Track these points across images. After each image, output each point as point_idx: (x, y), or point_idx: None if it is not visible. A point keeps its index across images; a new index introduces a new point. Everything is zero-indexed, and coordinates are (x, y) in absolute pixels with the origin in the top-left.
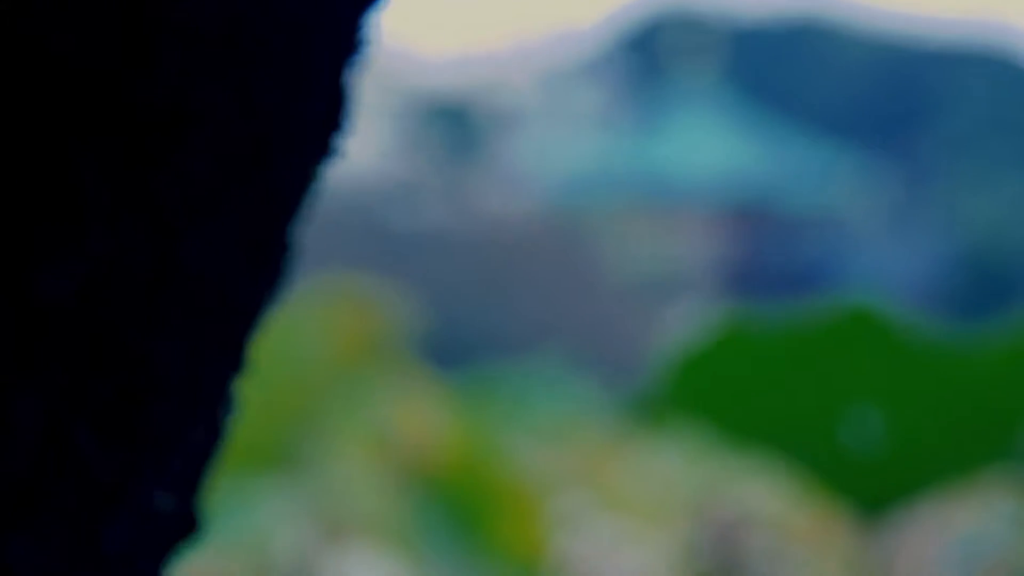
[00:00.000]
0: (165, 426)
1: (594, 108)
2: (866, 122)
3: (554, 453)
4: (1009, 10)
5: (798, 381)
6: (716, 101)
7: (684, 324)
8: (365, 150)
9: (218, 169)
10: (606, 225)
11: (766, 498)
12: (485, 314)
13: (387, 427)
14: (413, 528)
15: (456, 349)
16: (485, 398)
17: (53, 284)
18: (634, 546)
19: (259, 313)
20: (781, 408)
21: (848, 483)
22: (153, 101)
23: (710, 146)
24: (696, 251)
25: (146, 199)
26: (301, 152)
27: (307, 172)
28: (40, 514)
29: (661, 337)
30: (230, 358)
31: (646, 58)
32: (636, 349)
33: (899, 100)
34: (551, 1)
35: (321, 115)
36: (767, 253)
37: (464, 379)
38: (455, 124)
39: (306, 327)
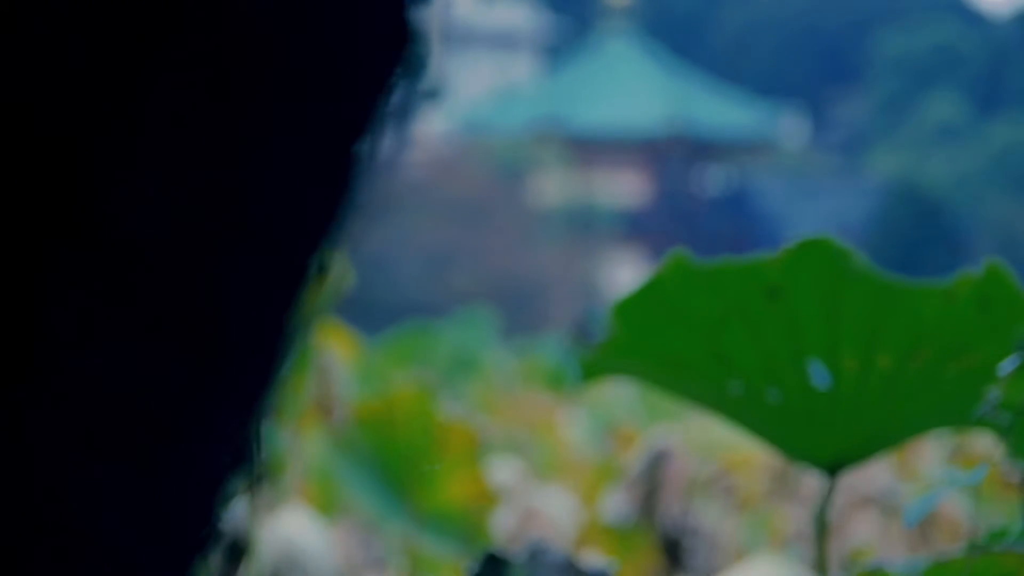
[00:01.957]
0: (235, 356)
1: (521, 36)
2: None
3: (489, 401)
4: None
5: (757, 320)
6: (637, 50)
7: (621, 263)
8: None
9: (282, 96)
10: (523, 154)
11: (706, 433)
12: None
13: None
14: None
15: (380, 305)
16: (414, 351)
17: (133, 218)
18: (563, 492)
19: (325, 240)
20: (739, 349)
21: (810, 427)
22: (220, 30)
23: (630, 90)
24: (619, 185)
25: (215, 127)
26: (362, 81)
27: (371, 101)
28: (116, 440)
29: (596, 277)
30: (293, 287)
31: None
32: (568, 290)
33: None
34: None
35: (382, 48)
36: (690, 184)
37: (392, 335)
38: None
39: None
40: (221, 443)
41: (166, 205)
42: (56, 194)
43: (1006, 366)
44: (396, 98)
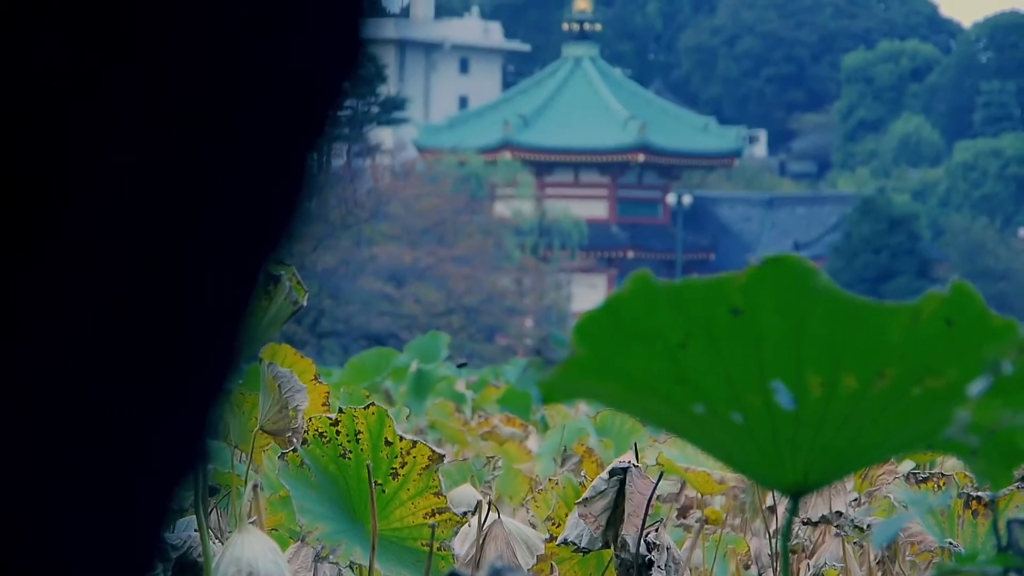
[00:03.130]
0: (183, 366)
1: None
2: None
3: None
4: None
5: (721, 340)
6: (599, 70)
7: (582, 281)
8: None
9: (240, 105)
10: (483, 172)
11: (668, 453)
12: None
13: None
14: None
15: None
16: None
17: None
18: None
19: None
20: (702, 369)
21: (774, 449)
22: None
23: (591, 110)
24: (579, 204)
25: (177, 131)
26: (316, 93)
27: (323, 113)
28: (60, 449)
29: (557, 295)
30: (244, 295)
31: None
32: (529, 308)
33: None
34: None
35: (335, 61)
36: (651, 203)
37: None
38: None
39: None
40: (168, 455)
41: (125, 211)
42: (23, 201)
43: (975, 388)
44: (348, 112)
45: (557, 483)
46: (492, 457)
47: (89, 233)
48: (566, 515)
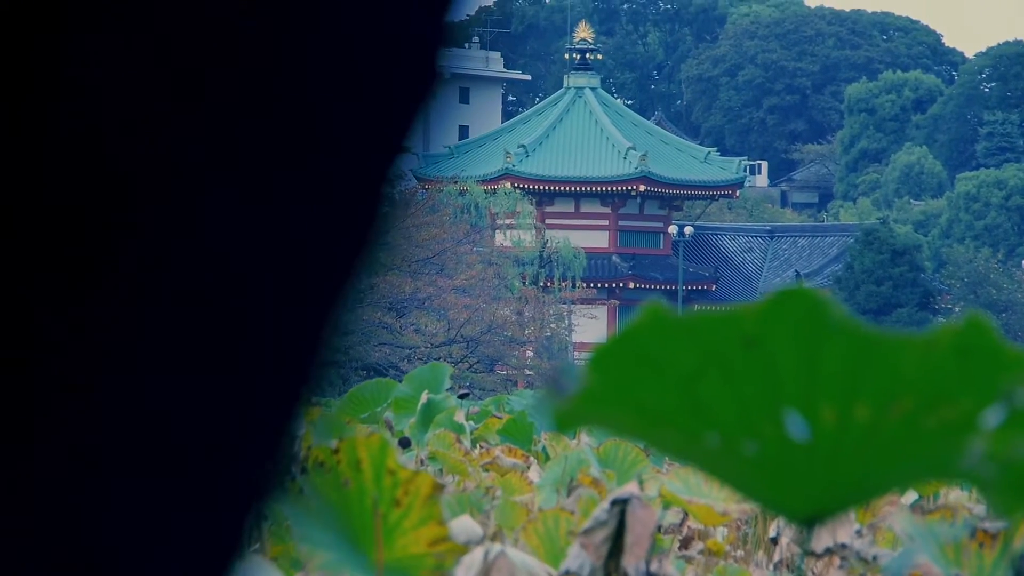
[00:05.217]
0: (267, 380)
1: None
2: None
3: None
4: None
5: (734, 371)
6: (601, 101)
7: (584, 311)
8: None
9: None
10: (484, 202)
11: (679, 485)
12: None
13: None
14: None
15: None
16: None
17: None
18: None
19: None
20: (715, 400)
21: (787, 479)
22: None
23: (592, 140)
24: (580, 234)
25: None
26: (396, 115)
27: (401, 133)
28: (153, 461)
29: (558, 325)
30: (325, 313)
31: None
32: (531, 338)
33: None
34: None
35: (415, 84)
36: (652, 234)
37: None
38: None
39: None
40: (252, 467)
41: (215, 228)
42: (114, 218)
43: (991, 418)
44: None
45: (561, 514)
46: (490, 488)
47: (172, 253)
48: (562, 548)
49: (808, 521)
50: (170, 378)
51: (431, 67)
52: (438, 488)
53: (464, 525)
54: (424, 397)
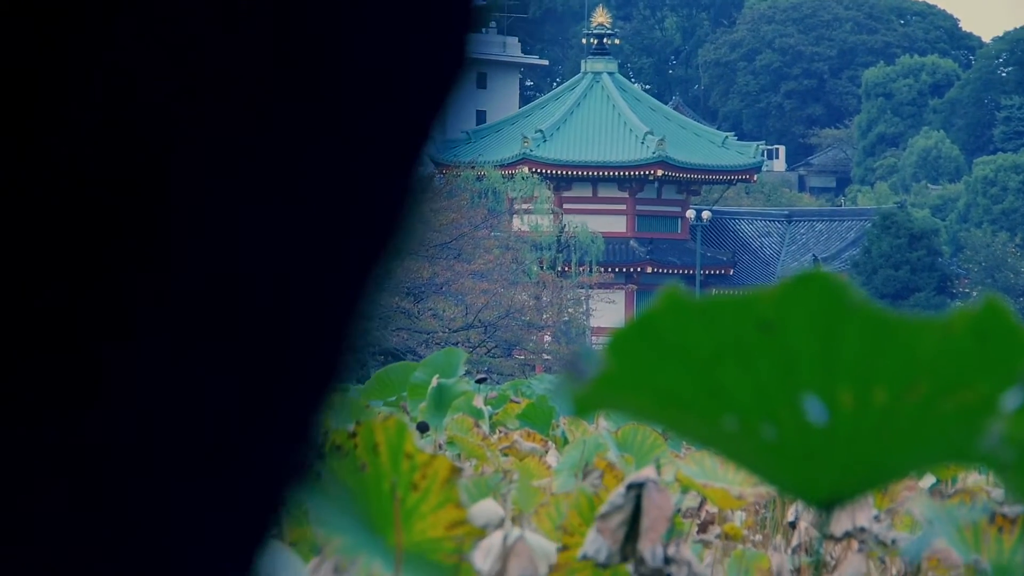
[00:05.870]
0: (297, 370)
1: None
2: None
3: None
4: None
5: (752, 355)
6: (618, 85)
7: (602, 296)
8: None
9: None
10: (502, 187)
11: (696, 468)
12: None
13: None
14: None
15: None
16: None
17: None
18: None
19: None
20: (733, 384)
21: (806, 463)
22: None
23: (610, 124)
24: (598, 218)
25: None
26: (427, 98)
27: (431, 119)
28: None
29: (576, 309)
30: (355, 300)
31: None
32: (548, 323)
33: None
34: None
35: (447, 68)
36: (670, 218)
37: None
38: None
39: None
40: (279, 460)
41: (247, 210)
42: (144, 212)
43: (1009, 401)
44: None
45: (564, 495)
46: (508, 471)
47: (201, 245)
48: (578, 524)
49: (826, 505)
50: (198, 371)
51: (461, 52)
52: (456, 471)
53: (487, 508)
54: (435, 381)
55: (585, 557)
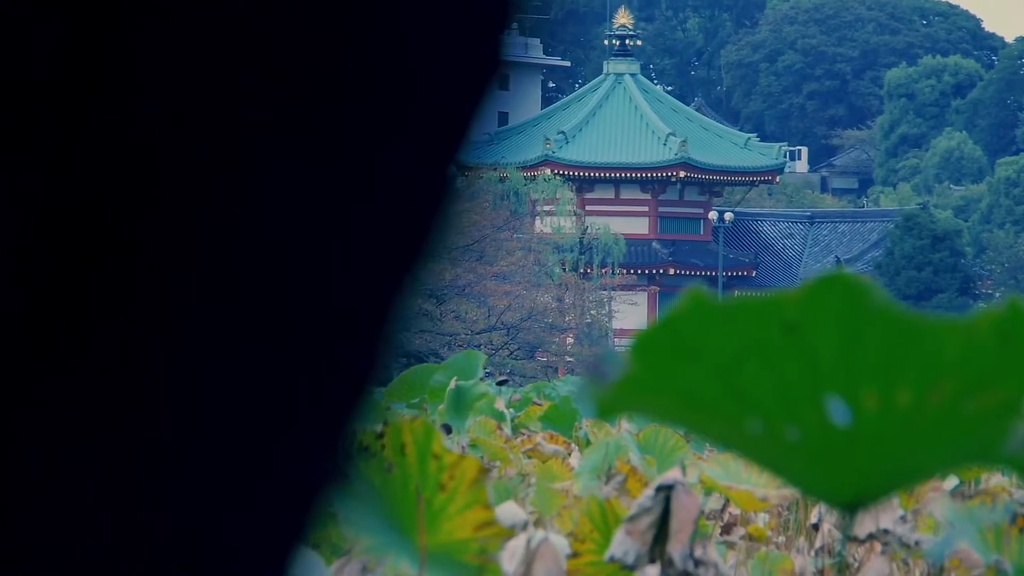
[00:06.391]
0: (336, 365)
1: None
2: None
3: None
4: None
5: (775, 357)
6: (640, 86)
7: (624, 298)
8: None
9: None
10: (524, 188)
11: (720, 470)
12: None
13: None
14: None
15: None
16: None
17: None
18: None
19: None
20: (756, 386)
21: (829, 465)
22: None
23: (632, 126)
24: (620, 220)
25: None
26: (463, 98)
27: (467, 119)
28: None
29: (599, 311)
30: (391, 298)
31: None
32: (571, 324)
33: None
34: None
35: (480, 69)
36: (692, 220)
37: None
38: None
39: None
40: (319, 455)
41: (283, 212)
42: (186, 204)
43: None
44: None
45: (604, 501)
46: (526, 475)
47: (235, 245)
48: (589, 531)
49: (850, 507)
50: (230, 371)
51: (495, 53)
52: (484, 472)
53: (509, 510)
54: (452, 383)
55: (613, 559)
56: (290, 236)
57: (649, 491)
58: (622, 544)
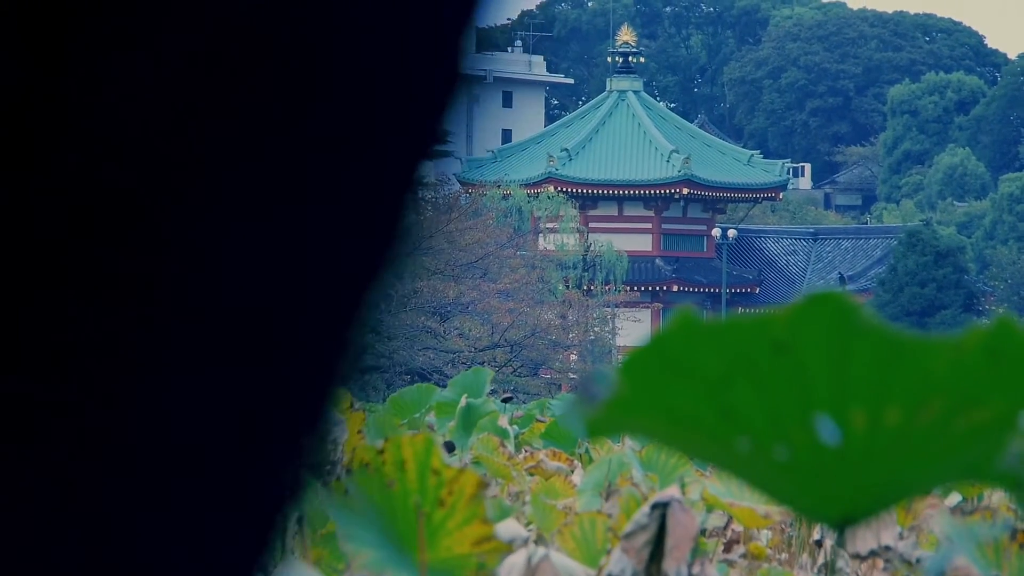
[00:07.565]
0: (298, 381)
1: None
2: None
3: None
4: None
5: (764, 376)
6: (643, 104)
7: (627, 315)
8: None
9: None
10: (527, 205)
11: (708, 488)
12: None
13: None
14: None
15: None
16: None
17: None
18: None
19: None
20: (746, 405)
21: (819, 483)
22: None
23: (635, 143)
24: (623, 237)
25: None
26: (425, 114)
27: (428, 135)
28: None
29: (601, 328)
30: (354, 313)
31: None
32: (573, 342)
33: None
34: None
35: (442, 86)
36: (695, 237)
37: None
38: None
39: None
40: (277, 470)
41: (239, 229)
42: (140, 218)
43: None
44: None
45: (601, 519)
46: (521, 492)
47: (197, 255)
48: (599, 550)
49: (840, 525)
50: (195, 378)
51: (453, 70)
52: (482, 487)
53: (509, 527)
54: (463, 401)
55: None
56: (250, 246)
57: (645, 508)
58: (619, 562)
